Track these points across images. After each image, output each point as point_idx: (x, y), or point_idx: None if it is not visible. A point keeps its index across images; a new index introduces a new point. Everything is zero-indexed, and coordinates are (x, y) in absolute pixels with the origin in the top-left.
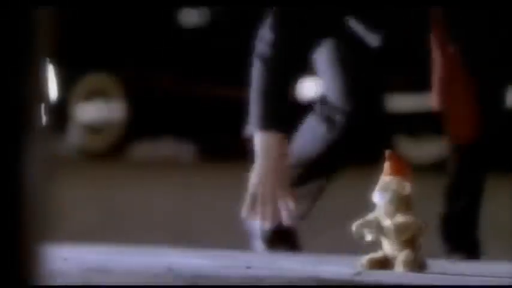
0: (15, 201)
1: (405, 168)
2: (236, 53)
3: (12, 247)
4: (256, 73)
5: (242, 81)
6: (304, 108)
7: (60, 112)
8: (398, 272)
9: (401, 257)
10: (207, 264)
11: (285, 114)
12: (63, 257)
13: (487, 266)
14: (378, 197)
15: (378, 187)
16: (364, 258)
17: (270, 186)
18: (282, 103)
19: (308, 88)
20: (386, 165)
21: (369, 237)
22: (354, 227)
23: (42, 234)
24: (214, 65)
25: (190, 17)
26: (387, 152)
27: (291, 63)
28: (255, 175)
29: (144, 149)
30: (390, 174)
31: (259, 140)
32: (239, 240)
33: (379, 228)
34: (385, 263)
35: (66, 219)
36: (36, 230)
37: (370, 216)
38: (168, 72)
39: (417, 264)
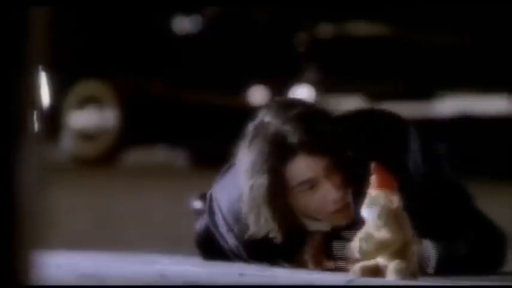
0: (8, 207)
1: (392, 181)
2: (230, 60)
3: (6, 254)
4: None
5: (236, 88)
6: None
7: (53, 119)
8: (390, 280)
9: (393, 265)
10: (199, 272)
11: None
12: (57, 264)
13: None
14: (366, 213)
15: (365, 202)
16: (357, 266)
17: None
18: None
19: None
20: (373, 179)
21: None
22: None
23: (35, 241)
24: (207, 72)
25: (183, 24)
26: (373, 165)
27: None
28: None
29: (137, 156)
30: (377, 188)
31: None
32: None
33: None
34: (377, 271)
35: (59, 226)
36: (30, 237)
37: (361, 232)
38: (161, 79)
39: (409, 272)
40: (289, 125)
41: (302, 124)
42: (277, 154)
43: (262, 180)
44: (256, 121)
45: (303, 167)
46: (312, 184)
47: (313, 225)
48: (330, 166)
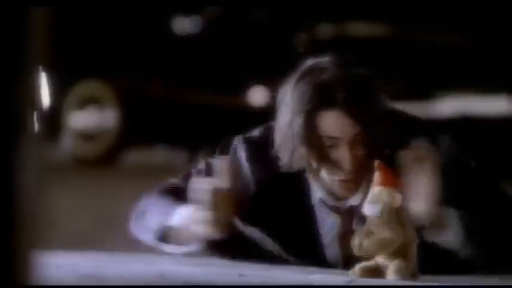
0: (8, 207)
1: (396, 179)
2: (229, 60)
3: (6, 254)
4: None
5: (236, 88)
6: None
7: (53, 119)
8: (390, 280)
9: (393, 265)
10: (199, 272)
11: None
12: (57, 264)
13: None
14: (368, 209)
15: (368, 199)
16: (357, 267)
17: None
18: None
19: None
20: (377, 176)
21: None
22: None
23: (35, 241)
24: (207, 72)
25: (183, 24)
26: (377, 163)
27: None
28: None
29: (137, 156)
30: (380, 185)
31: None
32: None
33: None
34: (377, 272)
35: (59, 226)
36: (30, 237)
37: (362, 230)
38: (160, 79)
39: (409, 273)
40: (344, 79)
41: (355, 85)
42: (319, 100)
43: (301, 120)
44: (315, 61)
45: (334, 123)
46: (333, 143)
47: (315, 189)
48: (359, 137)
